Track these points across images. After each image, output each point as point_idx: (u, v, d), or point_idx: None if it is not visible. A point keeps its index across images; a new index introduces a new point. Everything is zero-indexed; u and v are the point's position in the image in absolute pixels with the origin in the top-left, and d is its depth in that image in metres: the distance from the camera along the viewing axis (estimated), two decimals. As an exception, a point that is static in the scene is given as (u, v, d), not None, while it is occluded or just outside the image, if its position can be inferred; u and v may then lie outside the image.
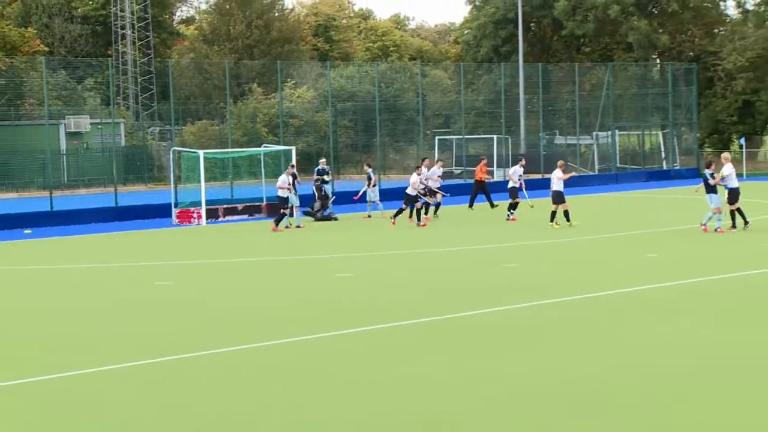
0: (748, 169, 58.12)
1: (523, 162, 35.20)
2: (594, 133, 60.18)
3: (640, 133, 63.58)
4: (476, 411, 10.52)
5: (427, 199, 33.41)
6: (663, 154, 62.42)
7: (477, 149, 63.64)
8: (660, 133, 63.33)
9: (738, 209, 27.33)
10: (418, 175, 33.07)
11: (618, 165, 59.30)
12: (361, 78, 66.36)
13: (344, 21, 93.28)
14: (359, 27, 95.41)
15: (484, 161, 39.58)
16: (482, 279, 20.22)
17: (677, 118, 62.62)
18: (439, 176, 36.19)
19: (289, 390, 11.61)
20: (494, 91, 60.64)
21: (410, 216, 32.90)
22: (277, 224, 32.15)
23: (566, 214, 30.06)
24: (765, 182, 46.18)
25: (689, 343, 13.52)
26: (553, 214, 30.07)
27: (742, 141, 60.93)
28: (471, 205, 38.34)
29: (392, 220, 33.03)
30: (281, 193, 32.59)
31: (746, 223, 27.32)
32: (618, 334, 14.26)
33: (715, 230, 27.03)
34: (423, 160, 36.53)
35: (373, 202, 36.71)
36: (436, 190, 35.11)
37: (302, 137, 60.17)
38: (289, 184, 32.61)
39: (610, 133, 59.81)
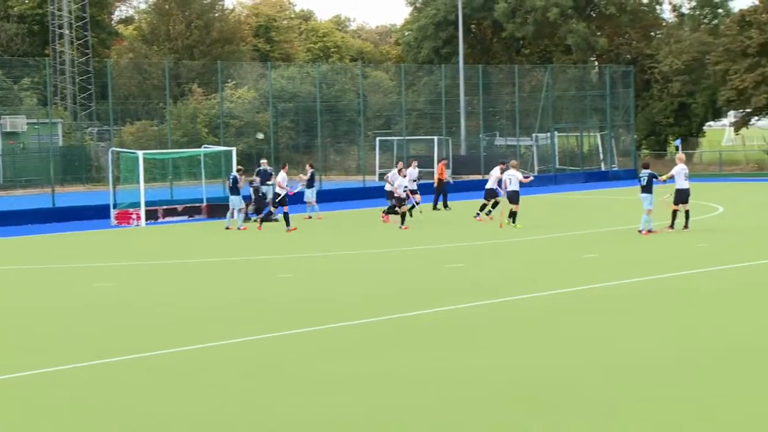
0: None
1: (503, 166, 34.40)
2: (534, 134, 60.61)
3: (578, 134, 64.15)
4: (426, 407, 10.52)
5: (392, 201, 32.94)
6: (601, 156, 63.05)
7: (418, 150, 63.72)
8: (598, 135, 63.97)
9: (686, 211, 27.48)
10: (404, 177, 32.51)
11: (557, 166, 59.79)
12: (302, 79, 66.18)
13: (285, 22, 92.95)
14: (300, 28, 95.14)
15: (444, 162, 39.41)
16: (425, 279, 20.24)
17: (615, 119, 63.31)
18: (414, 179, 35.32)
19: (238, 389, 11.53)
20: (435, 92, 60.84)
21: (386, 214, 32.91)
22: (287, 224, 31.41)
23: (514, 215, 30.17)
24: (700, 183, 46.67)
25: (630, 341, 13.65)
26: (513, 213, 30.14)
27: (678, 143, 61.76)
28: (435, 206, 38.38)
29: (383, 217, 32.98)
30: (279, 190, 31.96)
31: (685, 226, 27.47)
32: (563, 332, 14.36)
33: (639, 231, 27.24)
34: (410, 161, 35.75)
35: (311, 203, 36.61)
36: (414, 192, 34.42)
37: (243, 138, 59.84)
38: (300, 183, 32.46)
39: (549, 134, 60.28)
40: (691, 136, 66.52)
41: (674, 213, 27.54)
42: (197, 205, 39.09)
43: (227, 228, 32.47)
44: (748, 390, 10.98)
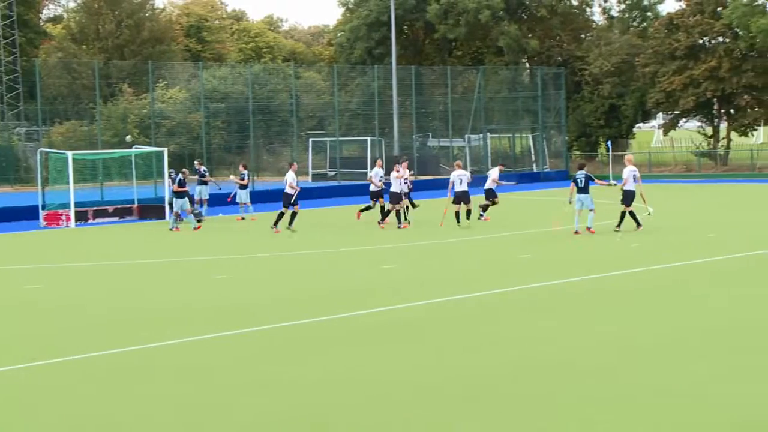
0: (615, 172, 59.57)
1: (502, 167, 34.34)
2: (466, 135, 60.89)
3: (510, 135, 64.61)
4: (356, 409, 10.46)
5: (373, 203, 32.28)
6: (533, 157, 63.57)
7: (351, 151, 63.70)
8: (530, 136, 64.48)
9: (631, 212, 27.63)
10: (398, 173, 31.55)
11: (490, 167, 60.05)
12: (234, 79, 65.71)
13: (217, 22, 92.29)
14: (232, 28, 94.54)
15: (406, 162, 38.06)
16: (359, 280, 20.18)
17: (547, 121, 63.88)
18: (383, 178, 33.46)
19: (167, 392, 11.35)
20: (368, 93, 60.82)
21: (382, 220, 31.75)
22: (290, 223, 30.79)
23: (468, 213, 30.40)
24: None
25: (565, 341, 13.71)
26: (469, 212, 30.50)
27: (609, 144, 62.51)
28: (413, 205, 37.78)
29: (381, 225, 31.51)
30: (289, 190, 30.97)
31: (618, 227, 27.60)
32: (497, 332, 14.38)
33: (575, 232, 27.56)
34: (403, 159, 33.99)
35: (245, 204, 36.39)
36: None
37: (174, 138, 59.25)
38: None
39: (481, 135, 60.61)
40: (621, 138, 67.35)
41: (623, 213, 27.68)
42: (128, 206, 38.59)
43: (171, 229, 31.98)
44: (684, 387, 11.08)
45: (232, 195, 37.07)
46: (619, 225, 27.76)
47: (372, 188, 32.81)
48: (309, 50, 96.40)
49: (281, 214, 31.04)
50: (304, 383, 11.66)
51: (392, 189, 31.32)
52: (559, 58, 69.52)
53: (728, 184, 49.69)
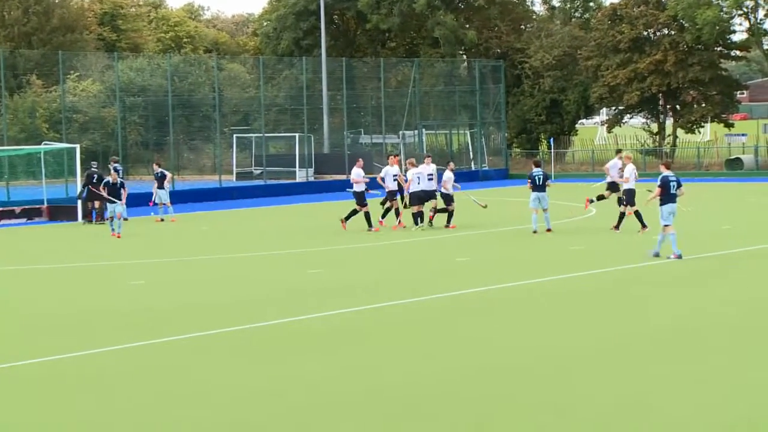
0: (557, 170, 60.26)
1: (452, 166, 33.28)
2: (400, 131, 61.07)
3: (447, 132, 64.94)
4: (285, 417, 10.46)
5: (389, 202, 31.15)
6: (471, 155, 63.98)
7: (278, 148, 63.57)
8: (468, 133, 64.86)
9: (637, 212, 27.51)
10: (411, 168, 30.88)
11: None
12: (153, 71, 65.23)
13: (133, 9, 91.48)
14: (149, 16, 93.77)
15: (397, 158, 36.98)
16: (283, 285, 20.17)
17: (485, 116, 64.32)
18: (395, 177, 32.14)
19: (87, 403, 11.26)
20: (296, 86, 60.75)
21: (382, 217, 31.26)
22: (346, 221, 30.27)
23: (420, 216, 30.20)
24: (573, 184, 47.88)
25: (503, 345, 13.83)
26: (419, 215, 30.14)
27: (551, 141, 63.18)
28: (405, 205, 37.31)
29: (383, 224, 31.08)
30: (357, 187, 30.26)
31: (643, 226, 27.45)
32: (433, 337, 14.46)
33: (534, 232, 27.98)
34: (392, 157, 32.68)
35: (164, 204, 36.15)
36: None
37: (87, 134, 58.62)
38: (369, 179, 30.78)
39: (416, 132, 60.83)
40: (563, 135, 68.05)
41: (622, 214, 27.65)
42: (37, 206, 38.08)
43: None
44: (627, 392, 11.26)
45: (154, 198, 36.75)
46: (617, 226, 27.75)
47: (377, 187, 31.78)
48: (233, 40, 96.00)
49: (354, 213, 30.31)
50: (231, 393, 11.63)
51: (412, 189, 30.25)
52: (498, 50, 70.02)
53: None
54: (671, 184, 22.59)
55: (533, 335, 14.60)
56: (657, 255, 22.65)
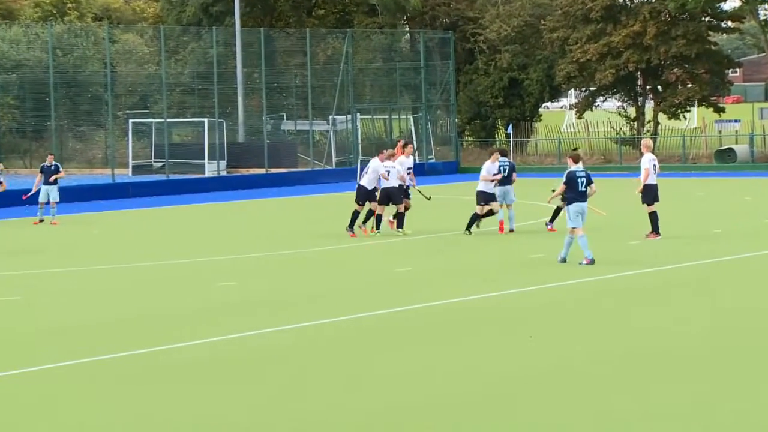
0: (516, 163, 60.53)
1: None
2: (330, 116, 61.02)
3: (387, 117, 65.00)
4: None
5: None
6: (415, 144, 64.14)
7: (183, 136, 63.24)
8: (411, 118, 64.94)
9: (652, 213, 27.29)
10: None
11: (361, 157, 60.38)
12: (30, 43, 64.60)
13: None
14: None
15: (401, 143, 35.70)
16: (187, 301, 20.28)
17: (432, 99, 64.51)
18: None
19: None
20: (205, 62, 60.52)
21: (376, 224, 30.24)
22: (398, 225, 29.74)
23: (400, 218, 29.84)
24: (535, 179, 47.92)
25: (439, 374, 14.02)
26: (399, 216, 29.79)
27: (509, 129, 63.41)
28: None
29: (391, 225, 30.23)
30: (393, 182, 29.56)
31: (655, 233, 27.32)
32: (350, 369, 14.63)
33: (511, 230, 28.66)
34: (410, 145, 32.73)
35: (46, 203, 35.80)
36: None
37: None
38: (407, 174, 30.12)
39: (350, 116, 60.85)
40: (524, 120, 68.40)
41: (652, 215, 27.40)
42: None
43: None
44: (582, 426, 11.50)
45: (31, 192, 36.40)
46: (654, 230, 27.51)
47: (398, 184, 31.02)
48: (127, 7, 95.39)
49: (400, 214, 29.72)
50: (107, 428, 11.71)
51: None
52: (447, 20, 70.23)
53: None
54: (579, 180, 23.16)
55: (476, 361, 14.79)
56: (564, 260, 23.22)
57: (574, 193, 23.11)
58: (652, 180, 27.47)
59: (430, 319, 17.85)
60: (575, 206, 22.95)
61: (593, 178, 23.51)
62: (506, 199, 28.88)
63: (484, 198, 28.83)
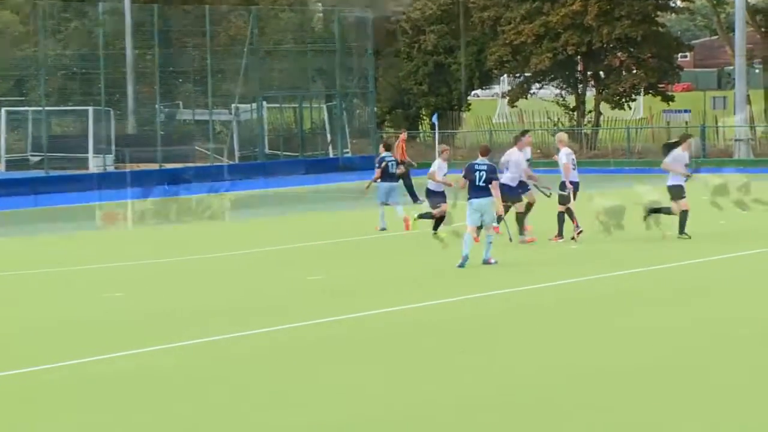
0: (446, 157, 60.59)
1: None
2: (233, 105, 60.77)
3: (297, 105, 64.88)
4: None
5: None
6: (329, 137, 64.01)
7: (65, 127, 62.64)
8: (324, 107, 64.89)
9: (568, 210, 27.35)
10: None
11: (267, 151, 60.16)
12: None
13: None
14: None
15: (404, 137, 35.63)
16: (72, 314, 20.03)
17: (348, 85, 64.39)
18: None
19: None
20: (90, 43, 60.01)
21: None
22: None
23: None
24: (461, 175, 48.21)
25: (366, 394, 13.79)
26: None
27: (435, 119, 63.45)
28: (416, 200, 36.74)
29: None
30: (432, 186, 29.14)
31: (575, 232, 27.41)
32: (264, 384, 14.49)
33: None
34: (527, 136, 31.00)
35: None
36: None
37: None
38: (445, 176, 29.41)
39: (255, 105, 60.63)
40: (451, 110, 68.60)
41: (568, 212, 27.42)
42: None
43: None
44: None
45: None
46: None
47: (433, 186, 30.52)
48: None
49: (432, 216, 29.18)
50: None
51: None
52: (365, -4, 70.35)
53: (597, 176, 51.19)
54: (476, 174, 23.31)
55: (400, 385, 14.59)
56: (464, 262, 23.22)
57: (472, 188, 23.38)
58: (575, 177, 27.61)
59: (335, 336, 17.71)
60: (471, 203, 23.23)
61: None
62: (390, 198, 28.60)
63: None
